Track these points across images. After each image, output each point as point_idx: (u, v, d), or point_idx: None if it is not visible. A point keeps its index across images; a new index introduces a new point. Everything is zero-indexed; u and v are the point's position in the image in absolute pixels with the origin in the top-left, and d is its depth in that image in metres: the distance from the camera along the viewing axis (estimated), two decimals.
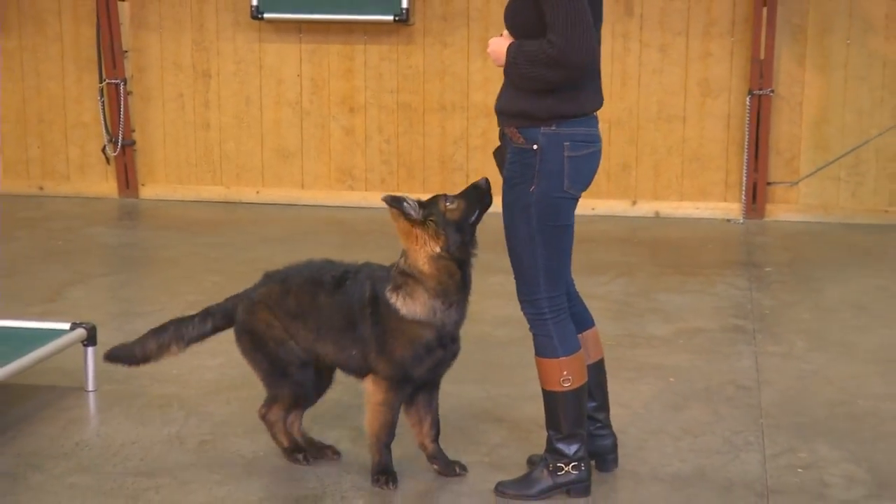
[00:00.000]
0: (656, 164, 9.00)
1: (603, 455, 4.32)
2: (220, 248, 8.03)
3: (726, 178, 8.94)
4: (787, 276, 7.34)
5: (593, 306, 4.39)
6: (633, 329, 6.17)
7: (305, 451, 4.40)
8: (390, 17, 8.87)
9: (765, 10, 8.51)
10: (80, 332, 5.15)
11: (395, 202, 4.11)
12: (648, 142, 8.96)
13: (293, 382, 4.32)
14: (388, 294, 4.15)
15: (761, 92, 8.64)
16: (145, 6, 9.41)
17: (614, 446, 4.35)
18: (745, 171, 8.78)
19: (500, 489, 4.16)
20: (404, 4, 8.81)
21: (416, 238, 4.11)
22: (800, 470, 4.41)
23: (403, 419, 4.30)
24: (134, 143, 9.59)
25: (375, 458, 4.24)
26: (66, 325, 5.20)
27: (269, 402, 4.39)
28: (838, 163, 8.75)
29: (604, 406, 4.32)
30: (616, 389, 4.45)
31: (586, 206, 8.68)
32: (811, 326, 6.26)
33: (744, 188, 8.81)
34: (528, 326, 4.11)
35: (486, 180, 4.18)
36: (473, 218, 4.15)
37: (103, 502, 4.12)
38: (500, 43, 3.97)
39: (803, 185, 8.86)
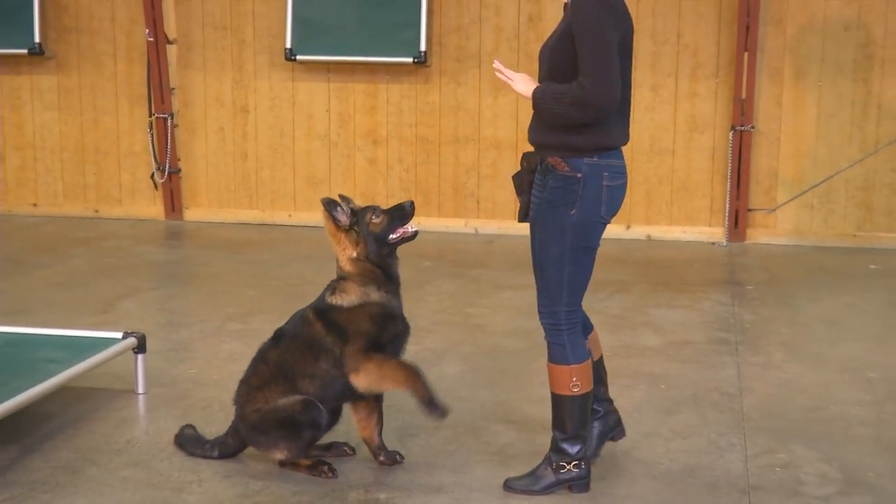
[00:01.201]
0: (648, 192, 9.00)
1: (613, 428, 4.38)
2: (256, 265, 8.05)
3: (711, 205, 8.93)
4: (766, 293, 7.32)
5: (593, 319, 4.39)
6: (627, 341, 6.15)
7: (328, 463, 4.27)
8: (410, 59, 8.90)
9: (746, 55, 8.52)
10: (131, 341, 5.15)
11: (329, 206, 4.21)
12: (641, 172, 8.95)
13: (307, 425, 4.17)
14: (328, 299, 4.21)
15: (743, 128, 8.64)
16: (191, 49, 9.46)
17: (619, 421, 4.41)
18: (728, 199, 8.77)
19: (509, 485, 4.16)
20: (422, 48, 8.84)
21: (339, 241, 4.22)
22: (778, 469, 4.39)
23: (351, 414, 4.32)
24: (179, 170, 9.63)
25: (422, 394, 4.06)
26: (119, 335, 5.20)
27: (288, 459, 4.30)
28: (812, 192, 8.74)
29: (604, 396, 4.37)
30: (612, 395, 4.44)
31: None
32: (788, 339, 6.24)
33: (727, 214, 8.80)
34: (534, 336, 4.11)
35: (412, 203, 4.26)
36: (396, 237, 4.19)
37: (151, 493, 4.12)
38: (526, 80, 3.99)
39: (780, 212, 8.85)
